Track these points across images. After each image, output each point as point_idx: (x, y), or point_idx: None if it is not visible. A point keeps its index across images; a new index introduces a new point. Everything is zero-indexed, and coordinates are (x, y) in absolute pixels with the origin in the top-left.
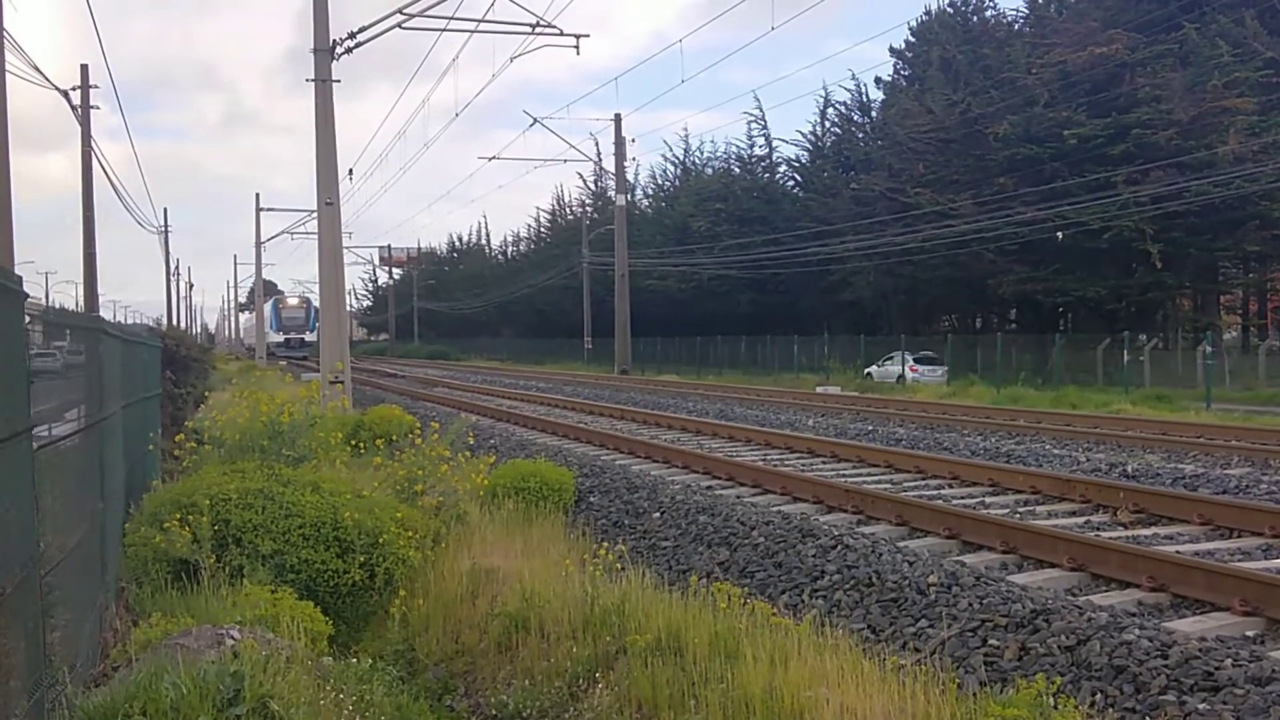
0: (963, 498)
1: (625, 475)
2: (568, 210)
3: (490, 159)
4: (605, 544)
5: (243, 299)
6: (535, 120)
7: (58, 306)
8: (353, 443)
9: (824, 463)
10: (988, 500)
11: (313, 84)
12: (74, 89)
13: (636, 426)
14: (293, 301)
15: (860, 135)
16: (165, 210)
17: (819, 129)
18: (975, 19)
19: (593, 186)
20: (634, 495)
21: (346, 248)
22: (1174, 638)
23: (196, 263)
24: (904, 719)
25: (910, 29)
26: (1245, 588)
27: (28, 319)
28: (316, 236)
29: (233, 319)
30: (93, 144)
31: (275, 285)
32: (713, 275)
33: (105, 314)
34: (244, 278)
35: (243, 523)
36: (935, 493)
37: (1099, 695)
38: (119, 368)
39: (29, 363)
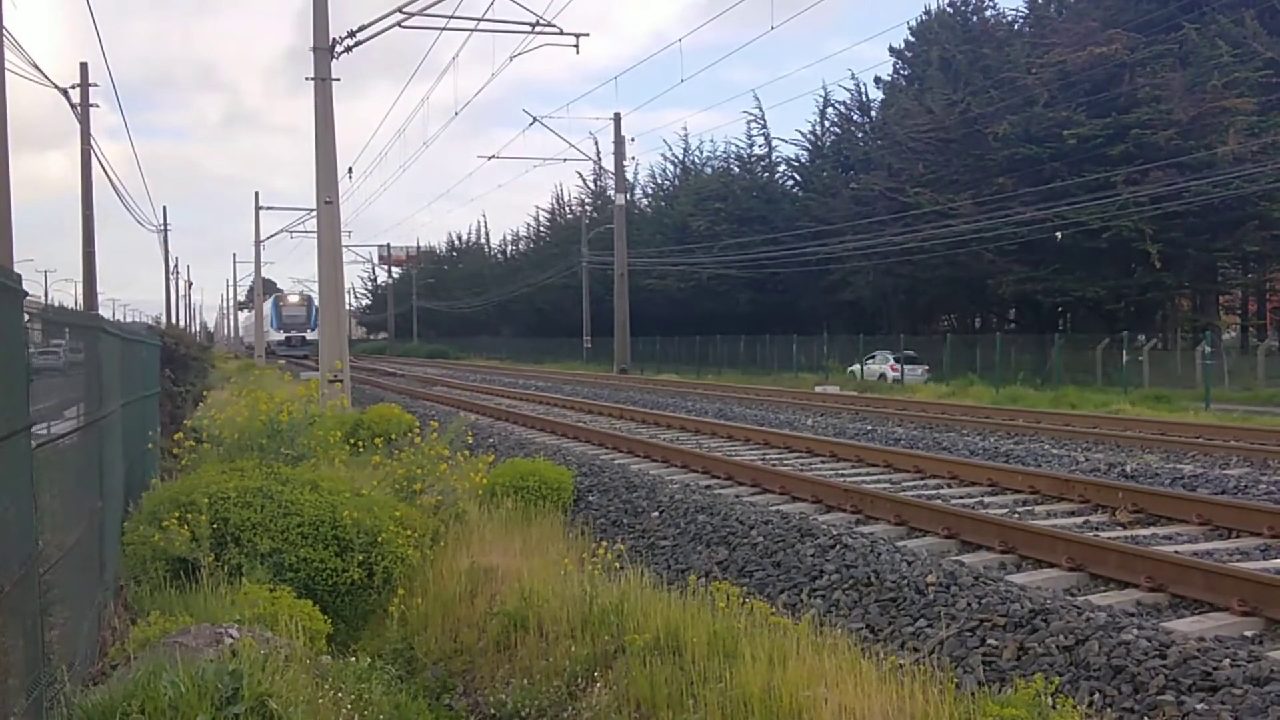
0: (961, 497)
1: (624, 474)
2: (567, 209)
3: (490, 158)
4: (604, 543)
5: (242, 298)
6: (535, 119)
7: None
8: (352, 441)
9: (823, 462)
10: (986, 500)
11: (312, 82)
12: (73, 88)
13: (635, 426)
14: (294, 299)
15: (860, 135)
16: (165, 209)
17: (818, 128)
18: (975, 19)
19: (592, 186)
20: (633, 494)
21: (346, 246)
22: (1172, 638)
23: (196, 262)
24: (902, 718)
25: (910, 29)
26: (1244, 588)
27: (27, 317)
28: (316, 235)
29: (232, 318)
30: (92, 143)
31: (274, 284)
32: (712, 275)
33: (104, 312)
34: (243, 276)
35: (241, 521)
36: (934, 492)
37: (1097, 695)
38: (118, 366)
39: (28, 361)
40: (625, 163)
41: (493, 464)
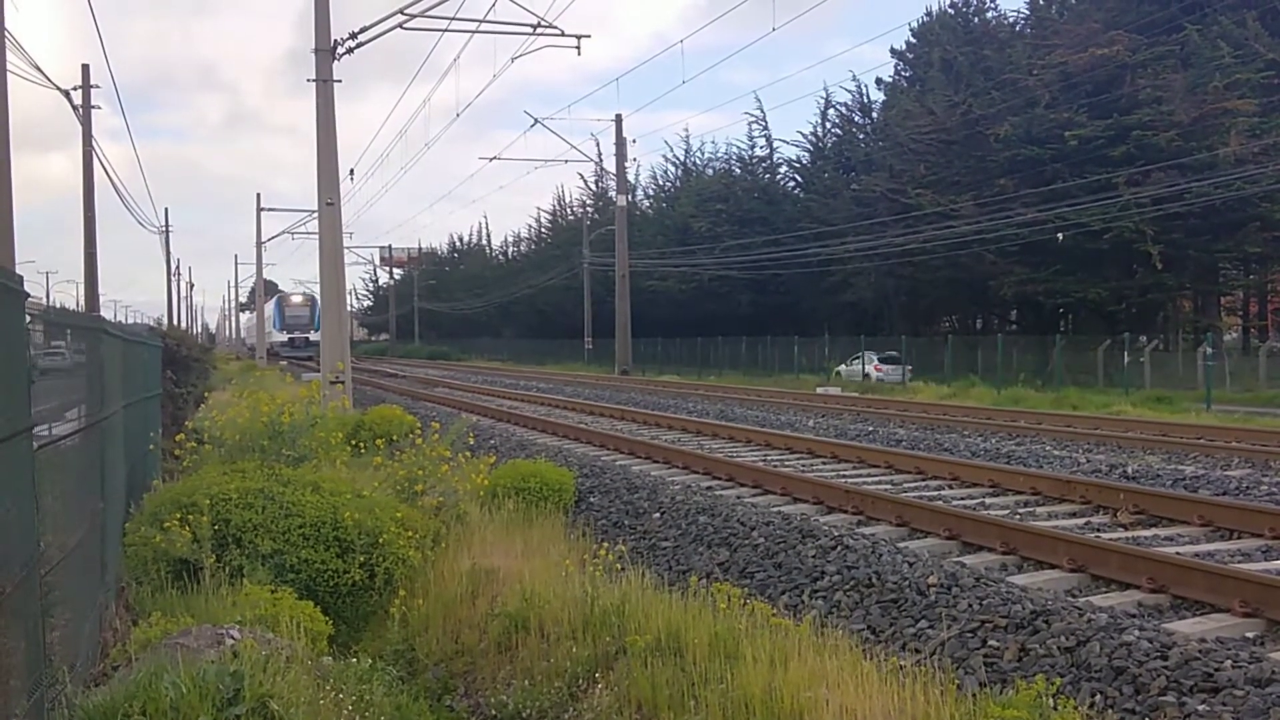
0: (963, 499)
1: (625, 476)
2: (568, 211)
3: (491, 159)
4: (605, 544)
5: (243, 299)
6: (536, 121)
7: (58, 306)
8: (353, 443)
9: (824, 463)
10: (988, 501)
11: (314, 84)
12: (75, 89)
13: (637, 427)
14: (297, 299)
15: (861, 136)
16: (166, 210)
17: (820, 130)
18: (976, 20)
19: (593, 187)
20: (634, 496)
21: (347, 248)
22: (1174, 639)
23: (197, 263)
24: (904, 719)
25: (911, 30)
26: (1245, 589)
27: (29, 319)
28: (317, 236)
29: (233, 319)
30: (94, 144)
31: (276, 285)
32: (713, 276)
33: (106, 314)
34: (245, 278)
35: (243, 522)
36: (935, 494)
37: (1099, 696)
38: (119, 368)
39: (29, 362)
40: (626, 164)
41: (494, 465)
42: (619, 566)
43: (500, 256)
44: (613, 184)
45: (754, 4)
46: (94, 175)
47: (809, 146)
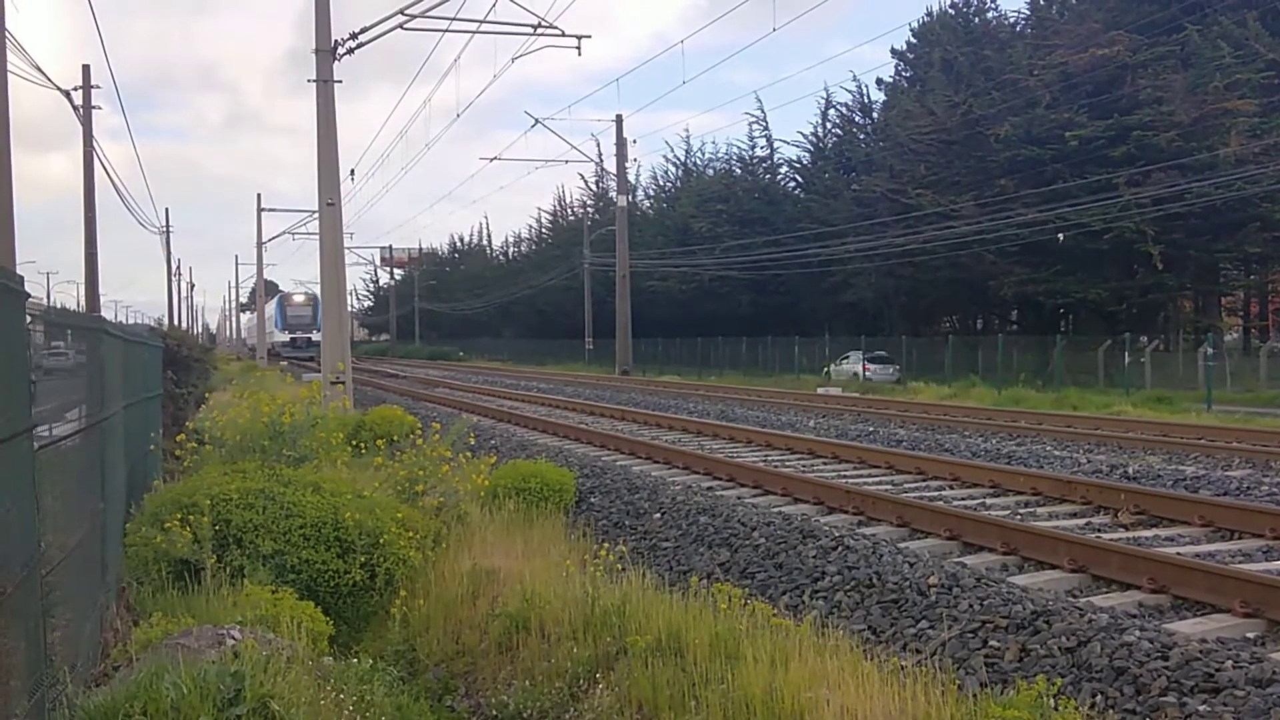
0: (964, 499)
1: (626, 476)
2: (569, 211)
3: (492, 160)
4: (606, 545)
5: (244, 299)
6: (537, 121)
7: (59, 306)
8: (354, 443)
9: (825, 464)
10: (989, 501)
11: (314, 85)
12: (75, 89)
13: (637, 427)
14: (299, 298)
15: (861, 136)
16: (166, 210)
17: (820, 130)
18: (976, 20)
19: (594, 187)
20: (635, 496)
21: (348, 248)
22: (1174, 639)
23: (198, 263)
24: (904, 719)
25: (911, 30)
26: (1246, 589)
27: (29, 319)
28: (318, 237)
29: (234, 319)
30: (94, 144)
31: (276, 285)
32: (714, 276)
33: (107, 314)
34: (245, 278)
35: (243, 523)
36: (936, 494)
37: (1099, 696)
38: (120, 368)
39: (30, 362)
40: (627, 164)
41: (495, 465)
42: (620, 567)
43: (501, 257)
44: (613, 184)
45: (754, 4)
46: (94, 175)
47: (809, 147)
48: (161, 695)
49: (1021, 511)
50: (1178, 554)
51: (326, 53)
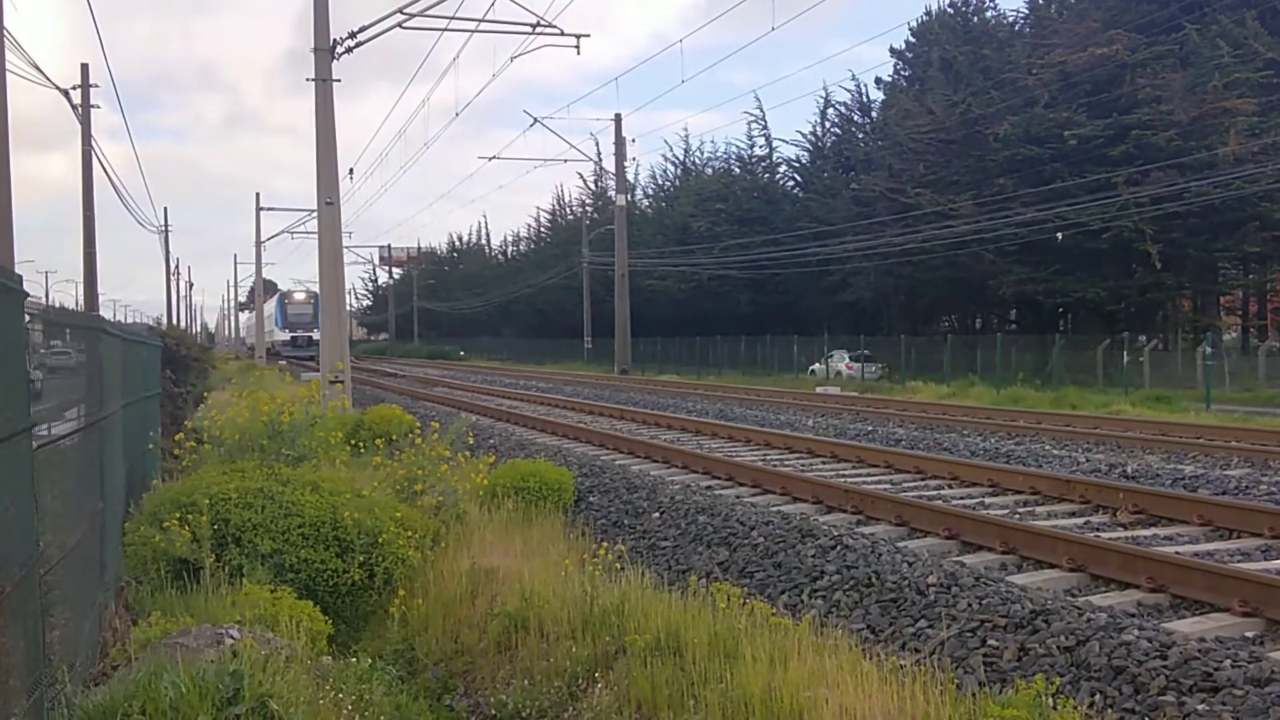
0: (962, 498)
1: (625, 475)
2: (568, 210)
3: (490, 159)
4: (605, 544)
5: (243, 298)
6: (535, 120)
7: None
8: (352, 442)
9: (823, 463)
10: (987, 501)
11: (313, 84)
12: (74, 88)
13: (636, 426)
14: (300, 296)
15: (860, 136)
16: (165, 210)
17: (819, 129)
18: (975, 19)
19: (593, 186)
20: (633, 495)
21: (347, 247)
22: (1173, 638)
23: (196, 263)
24: (903, 719)
25: (910, 29)
26: (1244, 588)
27: (28, 318)
28: (317, 236)
29: (233, 318)
30: (93, 143)
31: (275, 285)
32: (713, 275)
33: (105, 313)
34: (244, 277)
35: (242, 522)
36: (935, 493)
37: (1098, 696)
38: (119, 367)
39: (28, 361)
40: (626, 163)
41: (493, 465)
42: (618, 566)
43: (499, 256)
44: (612, 183)
45: (753, 4)
46: (93, 175)
47: (808, 146)
48: (160, 694)
49: (1020, 511)
50: (1176, 553)
51: (325, 51)
